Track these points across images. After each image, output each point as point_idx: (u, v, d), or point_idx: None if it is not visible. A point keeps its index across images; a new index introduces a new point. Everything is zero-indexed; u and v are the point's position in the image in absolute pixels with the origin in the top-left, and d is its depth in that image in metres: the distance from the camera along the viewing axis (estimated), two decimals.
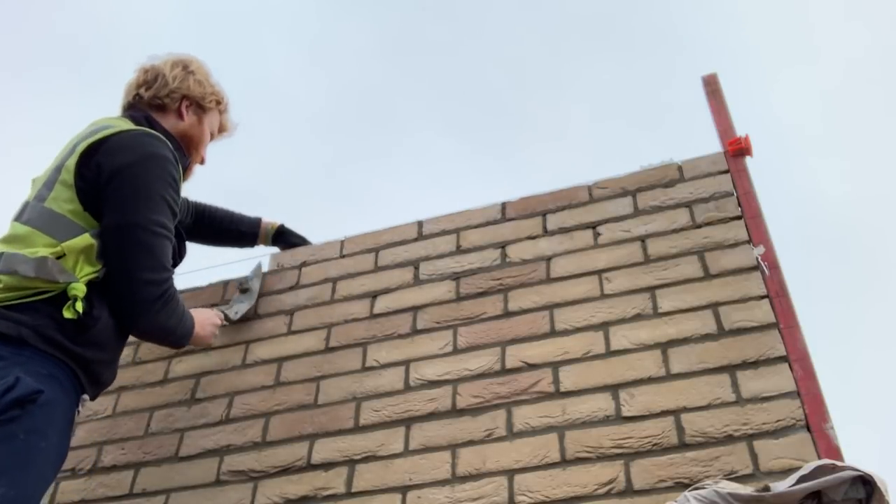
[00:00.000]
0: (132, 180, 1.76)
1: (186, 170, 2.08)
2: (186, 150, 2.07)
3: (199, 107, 2.09)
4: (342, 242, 2.47)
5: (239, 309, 2.32)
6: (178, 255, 1.98)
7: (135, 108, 2.03)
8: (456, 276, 2.21)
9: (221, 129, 2.22)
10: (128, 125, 1.88)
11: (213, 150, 2.22)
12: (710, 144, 2.22)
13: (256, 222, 2.55)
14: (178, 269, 2.00)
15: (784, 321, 1.77)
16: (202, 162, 2.17)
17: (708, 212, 2.06)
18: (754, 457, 1.58)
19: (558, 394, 1.84)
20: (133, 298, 1.75)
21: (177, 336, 1.89)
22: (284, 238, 2.55)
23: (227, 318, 2.27)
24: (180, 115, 2.06)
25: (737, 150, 2.15)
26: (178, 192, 1.86)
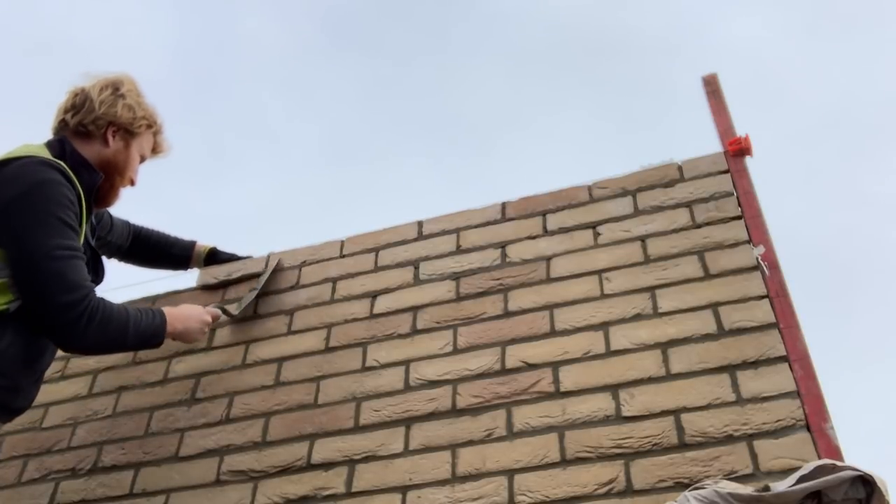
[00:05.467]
0: (24, 211, 1.75)
1: (108, 191, 2.07)
2: (111, 175, 2.05)
3: (128, 132, 2.06)
4: (342, 242, 2.47)
5: (243, 303, 2.32)
6: (94, 272, 1.99)
7: (59, 132, 2.03)
8: (456, 276, 2.21)
9: (155, 150, 2.19)
10: (27, 152, 1.87)
11: (217, 184, 2.22)
12: (710, 144, 2.22)
13: (190, 245, 2.58)
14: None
15: (784, 321, 1.77)
16: (132, 184, 2.14)
17: (708, 212, 2.06)
18: (754, 457, 1.58)
19: (558, 394, 1.84)
20: (55, 324, 1.75)
21: (130, 342, 1.89)
22: (216, 259, 2.59)
23: (226, 312, 2.26)
24: (105, 142, 2.03)
25: (737, 150, 2.15)
26: (74, 210, 1.83)
